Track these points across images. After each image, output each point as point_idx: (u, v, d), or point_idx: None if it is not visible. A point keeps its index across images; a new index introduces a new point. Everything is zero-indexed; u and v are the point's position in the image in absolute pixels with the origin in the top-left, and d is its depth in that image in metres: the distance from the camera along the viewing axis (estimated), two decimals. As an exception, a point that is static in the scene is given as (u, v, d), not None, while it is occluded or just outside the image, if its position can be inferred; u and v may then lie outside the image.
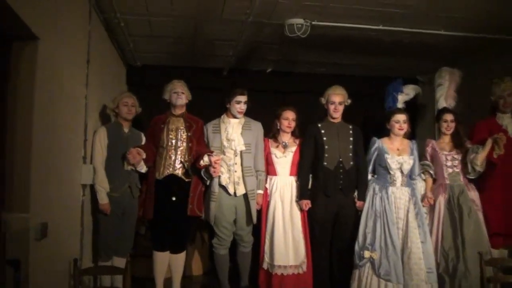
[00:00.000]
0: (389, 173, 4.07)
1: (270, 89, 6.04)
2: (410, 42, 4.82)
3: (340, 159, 4.12)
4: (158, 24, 4.46)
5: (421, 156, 4.33)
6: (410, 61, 5.57)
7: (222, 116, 4.18)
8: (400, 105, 4.38)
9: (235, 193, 4.08)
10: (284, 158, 4.27)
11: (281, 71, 6.02)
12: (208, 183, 4.08)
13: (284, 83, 6.07)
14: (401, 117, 4.16)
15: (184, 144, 4.03)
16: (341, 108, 4.20)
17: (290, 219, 4.17)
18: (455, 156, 4.26)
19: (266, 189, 4.28)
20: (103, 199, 3.88)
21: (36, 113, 2.76)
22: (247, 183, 4.08)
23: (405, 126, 4.16)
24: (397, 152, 4.13)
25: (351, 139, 4.19)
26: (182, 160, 4.00)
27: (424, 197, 4.17)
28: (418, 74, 6.10)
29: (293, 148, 4.30)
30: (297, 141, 4.34)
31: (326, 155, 4.13)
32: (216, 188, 4.06)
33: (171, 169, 4.00)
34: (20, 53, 2.72)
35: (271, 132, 4.37)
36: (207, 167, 3.91)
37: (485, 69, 5.09)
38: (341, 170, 4.11)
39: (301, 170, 4.23)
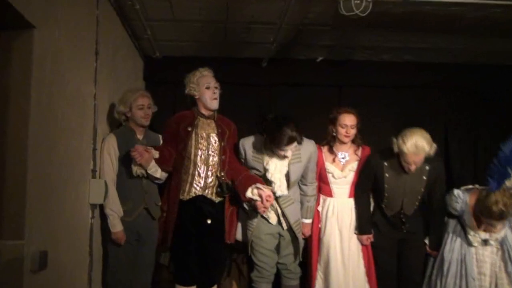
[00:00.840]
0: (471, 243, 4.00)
1: (322, 83, 6.03)
2: (503, 19, 4.60)
3: (402, 211, 4.10)
4: (182, 5, 4.46)
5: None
6: (507, 44, 5.36)
7: (264, 140, 3.94)
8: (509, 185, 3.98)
9: (279, 222, 4.08)
10: (344, 179, 4.23)
11: (335, 60, 5.98)
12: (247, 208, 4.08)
13: (339, 74, 6.03)
14: (498, 223, 3.87)
15: (217, 157, 3.98)
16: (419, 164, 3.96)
17: (349, 253, 4.16)
18: None
19: (317, 212, 4.27)
20: (116, 226, 3.88)
21: (33, 117, 2.77)
22: (288, 215, 4.04)
23: (500, 227, 3.94)
24: (482, 228, 3.95)
25: (423, 188, 4.07)
26: (218, 175, 3.97)
27: None
28: None
29: (354, 165, 4.25)
30: (359, 153, 4.27)
31: (386, 200, 4.13)
32: (254, 218, 4.07)
33: (199, 189, 3.98)
34: (12, 45, 2.73)
35: (325, 140, 4.30)
36: (251, 199, 3.84)
37: None
38: (402, 218, 4.12)
39: (359, 197, 4.21)
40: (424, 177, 4.04)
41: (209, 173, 3.96)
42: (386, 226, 4.15)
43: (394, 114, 5.89)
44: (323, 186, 4.26)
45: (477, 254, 3.99)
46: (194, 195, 3.97)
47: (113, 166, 3.91)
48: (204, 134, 3.96)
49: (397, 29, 4.98)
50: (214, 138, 3.97)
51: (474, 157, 6.16)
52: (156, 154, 3.84)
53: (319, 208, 4.25)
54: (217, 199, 4.03)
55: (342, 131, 4.19)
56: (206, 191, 3.98)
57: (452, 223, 4.11)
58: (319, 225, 4.24)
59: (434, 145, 3.86)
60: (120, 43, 4.77)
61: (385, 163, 4.07)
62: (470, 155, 6.14)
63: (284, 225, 4.06)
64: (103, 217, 3.94)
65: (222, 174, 3.96)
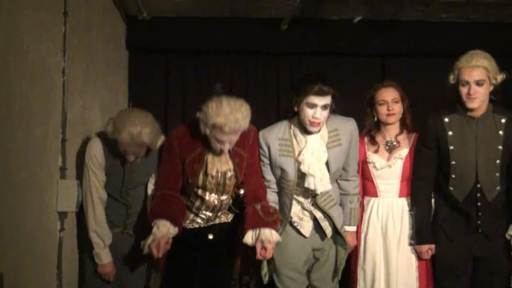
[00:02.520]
0: None
1: (360, 51, 6.06)
2: None
3: (479, 185, 3.97)
4: None
5: None
6: None
7: (292, 126, 3.99)
8: None
9: (317, 230, 4.05)
10: (389, 170, 4.17)
11: (377, 21, 5.97)
12: None
13: (383, 39, 6.04)
14: None
15: (230, 182, 3.96)
16: (482, 92, 3.97)
17: (397, 271, 4.11)
18: None
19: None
20: (104, 258, 3.93)
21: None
22: (335, 217, 3.99)
23: None
24: None
25: (501, 146, 3.96)
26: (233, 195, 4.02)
27: None
28: None
29: (403, 152, 4.18)
30: (412, 138, 4.23)
31: (453, 175, 4.01)
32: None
33: (203, 222, 4.02)
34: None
35: (366, 128, 4.27)
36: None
37: None
38: (478, 204, 3.98)
39: (417, 193, 4.13)
40: (501, 132, 3.96)
41: (218, 202, 3.99)
42: (457, 227, 4.04)
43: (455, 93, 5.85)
44: (366, 184, 4.22)
45: None
46: (197, 226, 4.02)
47: (98, 178, 3.93)
48: (214, 173, 3.92)
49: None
50: (229, 174, 3.94)
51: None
52: (169, 241, 3.75)
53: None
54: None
55: (382, 109, 4.15)
56: (216, 220, 4.04)
57: None
58: (360, 235, 4.21)
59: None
60: (96, 0, 4.73)
61: (446, 119, 4.02)
62: None
63: (328, 231, 4.00)
64: (80, 227, 3.97)
65: (240, 192, 4.00)
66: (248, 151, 3.93)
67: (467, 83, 3.92)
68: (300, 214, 4.02)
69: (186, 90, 5.76)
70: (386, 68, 6.03)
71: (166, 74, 5.41)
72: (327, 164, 3.90)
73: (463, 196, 3.98)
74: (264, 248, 3.73)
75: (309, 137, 3.91)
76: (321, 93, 3.73)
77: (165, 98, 5.62)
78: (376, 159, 4.18)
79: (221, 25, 5.48)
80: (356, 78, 5.74)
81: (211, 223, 4.02)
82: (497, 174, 3.96)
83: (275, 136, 3.96)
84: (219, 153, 3.79)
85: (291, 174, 3.92)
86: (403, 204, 4.18)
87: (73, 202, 3.84)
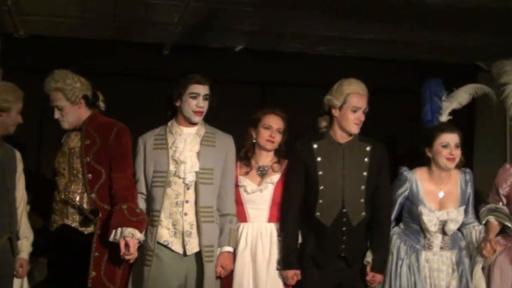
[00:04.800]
0: (423, 233, 4.14)
1: (240, 79, 6.10)
2: (468, 5, 4.73)
3: (344, 210, 4.07)
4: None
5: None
6: (467, 37, 5.58)
7: (169, 123, 4.18)
8: (444, 117, 4.45)
9: (184, 251, 3.98)
10: (260, 194, 4.18)
11: (259, 50, 6.02)
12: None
13: (263, 69, 6.10)
14: (451, 139, 4.14)
15: (80, 174, 3.98)
16: (362, 119, 4.14)
17: None
18: None
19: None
20: None
21: None
22: (203, 233, 3.97)
23: (457, 153, 4.15)
24: (439, 202, 4.16)
25: (366, 172, 4.10)
26: (78, 201, 3.95)
27: (483, 242, 4.20)
28: (479, 58, 6.15)
29: (275, 177, 4.23)
30: (284, 166, 4.28)
31: (321, 200, 4.08)
32: (152, 242, 3.98)
33: (63, 216, 3.97)
34: None
35: (242, 150, 4.31)
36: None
37: None
38: (344, 228, 4.07)
39: (285, 219, 4.15)
40: (366, 159, 4.11)
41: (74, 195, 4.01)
42: (323, 255, 4.10)
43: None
44: (236, 209, 4.20)
45: (432, 277, 4.09)
46: (59, 224, 4.01)
47: None
48: (65, 149, 4.07)
49: (337, 14, 5.01)
50: (75, 150, 4.06)
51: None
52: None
53: None
54: (86, 230, 3.98)
55: (265, 133, 4.21)
56: (70, 220, 3.99)
57: (395, 243, 4.21)
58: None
59: None
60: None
61: (315, 145, 4.11)
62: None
63: (189, 247, 3.97)
64: None
65: (86, 199, 3.97)
66: (103, 140, 3.98)
67: (356, 109, 4.05)
68: (170, 228, 3.97)
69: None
70: (266, 96, 6.06)
71: (43, 95, 5.25)
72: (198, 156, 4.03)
73: (330, 221, 4.05)
74: (127, 245, 3.75)
75: (185, 129, 4.09)
76: (202, 82, 4.03)
77: (40, 119, 5.43)
78: (247, 183, 4.21)
79: (102, 47, 5.39)
80: (236, 105, 5.74)
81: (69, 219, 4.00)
82: (362, 200, 4.09)
83: (152, 133, 4.17)
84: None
85: (164, 164, 4.00)
86: (272, 229, 4.20)
87: None
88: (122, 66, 5.60)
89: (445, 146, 4.13)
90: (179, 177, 4.00)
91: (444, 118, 4.43)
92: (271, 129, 4.21)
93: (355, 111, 4.04)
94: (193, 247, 3.98)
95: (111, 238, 3.79)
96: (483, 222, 4.30)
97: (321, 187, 4.06)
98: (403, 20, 5.14)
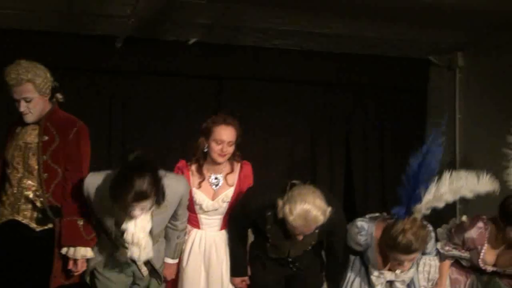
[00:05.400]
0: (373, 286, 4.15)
1: (195, 73, 6.05)
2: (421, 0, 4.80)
3: (289, 259, 4.13)
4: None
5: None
6: (420, 31, 5.66)
7: None
8: (419, 213, 3.95)
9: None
10: (214, 212, 4.17)
11: (213, 44, 6.01)
12: None
13: (219, 63, 6.07)
14: (405, 258, 3.87)
15: (35, 172, 3.89)
16: None
17: None
18: None
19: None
20: None
21: None
22: (154, 259, 3.92)
23: (408, 265, 4.00)
24: (388, 267, 4.06)
25: (313, 242, 4.07)
26: (32, 196, 3.88)
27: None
28: (430, 53, 6.26)
29: (229, 192, 4.17)
30: (236, 173, 4.21)
31: (268, 244, 4.09)
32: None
33: (13, 210, 3.89)
34: None
35: (194, 156, 4.19)
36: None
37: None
38: (290, 259, 4.13)
39: (233, 235, 4.16)
40: (316, 230, 3.91)
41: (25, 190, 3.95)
42: (272, 261, 4.16)
43: (288, 114, 6.00)
44: (189, 215, 4.14)
45: None
46: (7, 219, 3.94)
47: None
48: (20, 143, 3.96)
49: (295, 7, 5.03)
50: (32, 145, 3.93)
51: (381, 170, 6.39)
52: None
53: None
54: (38, 228, 3.90)
55: (216, 148, 4.06)
56: (21, 216, 3.92)
57: (354, 262, 4.21)
58: (182, 263, 4.17)
59: (329, 209, 3.70)
60: None
61: (268, 213, 3.92)
62: (377, 169, 6.37)
63: (144, 270, 3.95)
64: None
65: (40, 193, 3.91)
66: (62, 138, 3.90)
67: (298, 234, 3.85)
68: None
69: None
70: (222, 91, 6.05)
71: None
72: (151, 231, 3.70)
73: (276, 257, 4.12)
74: (75, 263, 3.83)
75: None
76: (137, 201, 3.44)
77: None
78: (202, 199, 4.12)
79: (53, 40, 5.31)
80: (192, 99, 5.73)
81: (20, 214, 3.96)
82: (309, 247, 4.08)
83: (101, 188, 3.70)
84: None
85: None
86: (225, 236, 4.20)
87: None
88: (75, 59, 5.51)
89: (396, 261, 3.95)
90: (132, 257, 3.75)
91: (418, 214, 3.92)
92: (223, 143, 4.05)
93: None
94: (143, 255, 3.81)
95: (63, 252, 3.81)
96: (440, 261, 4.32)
97: (268, 244, 4.06)
98: (358, 15, 5.19)
